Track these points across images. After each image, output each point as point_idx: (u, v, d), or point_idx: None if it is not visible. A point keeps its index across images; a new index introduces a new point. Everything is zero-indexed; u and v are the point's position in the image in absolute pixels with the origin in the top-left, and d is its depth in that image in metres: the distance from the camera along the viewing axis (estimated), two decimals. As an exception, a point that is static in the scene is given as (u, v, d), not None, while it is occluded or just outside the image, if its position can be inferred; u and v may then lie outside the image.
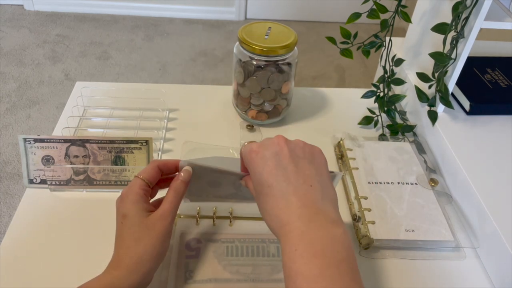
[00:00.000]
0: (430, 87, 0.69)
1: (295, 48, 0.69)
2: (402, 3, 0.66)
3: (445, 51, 0.63)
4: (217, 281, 0.50)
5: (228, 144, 0.70)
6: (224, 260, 0.52)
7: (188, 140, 0.67)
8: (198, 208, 0.57)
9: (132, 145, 0.61)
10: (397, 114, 0.75)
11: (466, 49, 0.62)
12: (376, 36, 0.69)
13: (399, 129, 0.73)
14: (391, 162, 0.67)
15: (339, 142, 0.71)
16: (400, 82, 0.73)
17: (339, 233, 0.38)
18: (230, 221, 0.56)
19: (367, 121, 0.76)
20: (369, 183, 0.63)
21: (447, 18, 0.62)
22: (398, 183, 0.63)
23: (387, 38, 0.69)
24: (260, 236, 0.55)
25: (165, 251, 0.45)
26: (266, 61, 0.67)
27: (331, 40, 0.68)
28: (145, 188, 0.45)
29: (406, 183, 0.63)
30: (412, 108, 0.77)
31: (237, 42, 0.69)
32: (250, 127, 0.74)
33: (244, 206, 0.58)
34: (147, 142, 0.61)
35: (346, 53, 0.70)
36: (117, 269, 0.42)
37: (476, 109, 0.70)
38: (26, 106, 1.90)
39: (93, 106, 0.75)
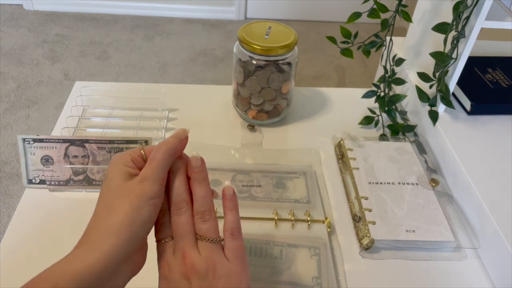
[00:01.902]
0: (431, 87, 0.69)
1: (295, 47, 0.69)
2: (403, 2, 0.66)
3: (446, 51, 0.63)
4: None
5: (229, 144, 0.70)
6: None
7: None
8: None
9: (132, 145, 0.61)
10: (397, 114, 0.74)
11: (467, 49, 0.62)
12: (376, 35, 0.69)
13: (399, 129, 0.73)
14: (392, 162, 0.66)
15: (339, 142, 0.71)
16: (400, 82, 0.73)
17: None
18: None
19: (367, 121, 0.76)
20: (369, 183, 0.63)
21: (448, 17, 0.62)
22: (399, 183, 0.63)
23: (388, 38, 0.69)
24: (264, 238, 0.55)
25: (141, 225, 0.37)
26: (266, 60, 0.67)
27: (332, 39, 0.68)
28: (137, 158, 0.39)
29: (407, 183, 0.63)
30: (412, 108, 0.77)
31: (237, 42, 0.69)
32: (251, 127, 0.73)
33: (249, 207, 0.58)
34: (146, 142, 0.61)
35: (347, 52, 0.69)
36: (80, 245, 0.36)
37: (477, 109, 0.70)
38: (25, 106, 1.90)
39: (92, 106, 0.75)
